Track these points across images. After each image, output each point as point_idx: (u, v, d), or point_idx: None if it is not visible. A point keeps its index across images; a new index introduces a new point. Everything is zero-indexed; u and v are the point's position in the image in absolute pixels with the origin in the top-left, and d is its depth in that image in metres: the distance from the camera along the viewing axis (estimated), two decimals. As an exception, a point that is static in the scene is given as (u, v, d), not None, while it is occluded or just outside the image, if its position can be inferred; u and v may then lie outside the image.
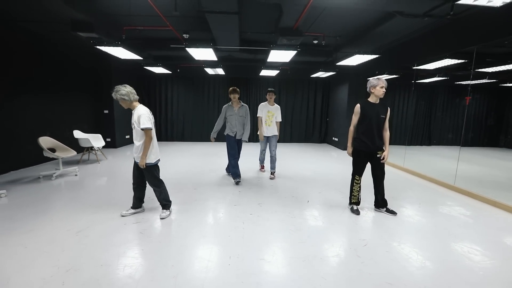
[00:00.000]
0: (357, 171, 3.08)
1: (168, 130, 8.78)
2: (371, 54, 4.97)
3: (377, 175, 3.04)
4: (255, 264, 2.05)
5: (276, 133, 4.59)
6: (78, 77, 6.27)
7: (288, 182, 4.31)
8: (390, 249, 2.30)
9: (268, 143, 4.63)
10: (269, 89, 4.57)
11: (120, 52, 5.10)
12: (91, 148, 5.59)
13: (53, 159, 5.25)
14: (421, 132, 8.93)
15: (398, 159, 5.76)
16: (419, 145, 8.91)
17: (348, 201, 3.26)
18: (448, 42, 4.25)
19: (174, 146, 7.84)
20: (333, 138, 8.57)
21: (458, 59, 4.70)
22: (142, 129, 2.60)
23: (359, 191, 3.11)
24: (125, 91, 2.61)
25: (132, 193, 2.88)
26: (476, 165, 5.98)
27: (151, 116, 2.72)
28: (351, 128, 3.06)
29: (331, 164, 5.90)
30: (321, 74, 7.41)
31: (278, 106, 4.61)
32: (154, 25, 4.69)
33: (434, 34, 4.50)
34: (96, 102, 6.91)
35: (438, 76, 6.98)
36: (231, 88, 4.16)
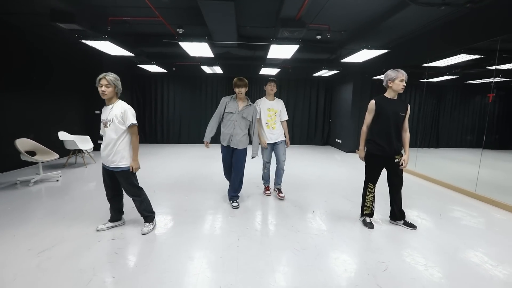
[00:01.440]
0: (371, 178, 2.66)
1: (164, 132, 8.37)
2: (379, 49, 4.59)
3: (393, 183, 2.63)
4: (251, 297, 1.65)
5: (284, 137, 3.48)
6: (66, 75, 5.89)
7: (290, 189, 3.88)
8: (416, 276, 1.88)
9: (274, 152, 3.48)
10: (270, 78, 3.41)
11: (109, 48, 4.73)
12: (79, 150, 5.21)
13: (35, 163, 4.86)
14: (428, 133, 8.52)
15: (409, 163, 5.33)
16: (426, 147, 8.50)
17: (360, 212, 2.84)
18: (464, 36, 3.85)
19: (169, 148, 7.43)
20: (337, 140, 8.17)
21: (474, 54, 4.31)
22: (130, 126, 2.23)
23: (372, 201, 2.69)
24: (119, 80, 2.28)
25: (108, 205, 2.49)
26: (491, 169, 5.54)
27: None
28: (364, 128, 2.65)
29: (336, 167, 5.48)
30: (324, 73, 7.02)
31: (281, 100, 3.48)
32: (143, 16, 4.31)
33: (449, 26, 4.11)
34: (87, 102, 6.52)
35: (450, 75, 6.57)
36: (236, 79, 2.97)
